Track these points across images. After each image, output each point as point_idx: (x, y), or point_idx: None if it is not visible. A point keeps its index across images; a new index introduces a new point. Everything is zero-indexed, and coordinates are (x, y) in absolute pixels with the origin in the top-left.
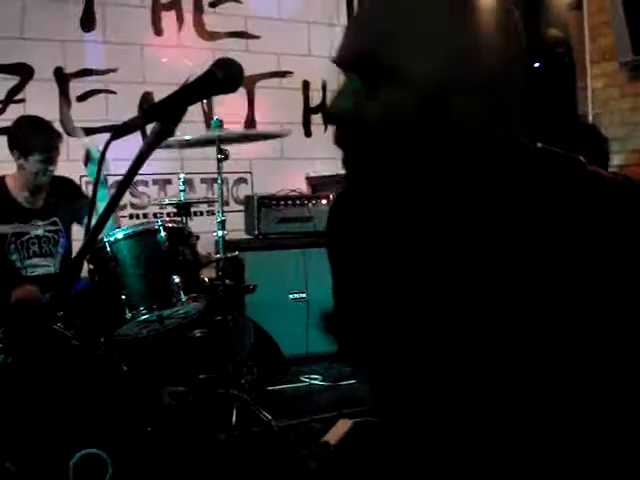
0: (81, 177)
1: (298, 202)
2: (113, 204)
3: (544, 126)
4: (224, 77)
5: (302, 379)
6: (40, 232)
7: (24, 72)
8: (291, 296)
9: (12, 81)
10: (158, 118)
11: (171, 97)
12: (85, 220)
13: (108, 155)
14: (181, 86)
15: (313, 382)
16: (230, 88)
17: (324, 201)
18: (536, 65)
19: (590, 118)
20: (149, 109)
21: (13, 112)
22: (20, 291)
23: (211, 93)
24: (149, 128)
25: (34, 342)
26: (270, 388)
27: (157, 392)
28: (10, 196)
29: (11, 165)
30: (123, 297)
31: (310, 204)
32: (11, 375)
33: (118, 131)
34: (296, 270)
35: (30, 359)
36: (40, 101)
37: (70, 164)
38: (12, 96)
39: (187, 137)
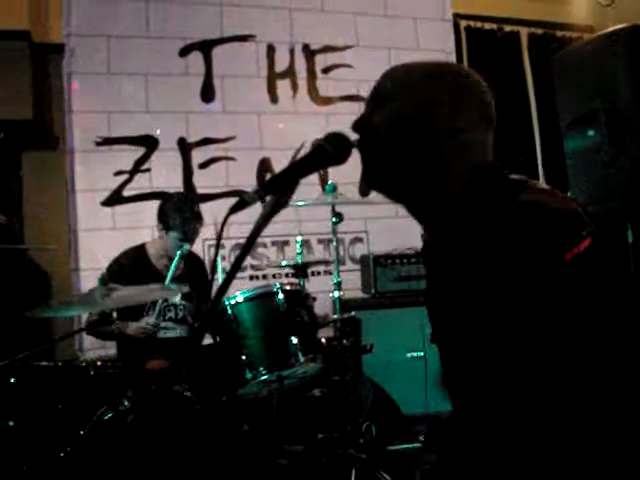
0: (204, 240)
1: (414, 260)
2: (234, 271)
3: None
4: (334, 151)
5: (421, 439)
6: (177, 300)
7: (149, 143)
8: (409, 355)
9: (138, 152)
10: (274, 191)
11: (285, 171)
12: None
13: (231, 219)
14: (294, 160)
15: None
16: (339, 160)
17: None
18: None
19: None
20: (266, 185)
21: (139, 181)
22: (152, 363)
23: (322, 166)
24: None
25: (159, 404)
26: (389, 448)
27: (275, 453)
28: (150, 263)
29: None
30: (244, 358)
31: None
32: (136, 434)
33: (236, 206)
34: (413, 328)
35: (154, 420)
36: (164, 170)
37: None
38: (139, 166)
39: (301, 203)
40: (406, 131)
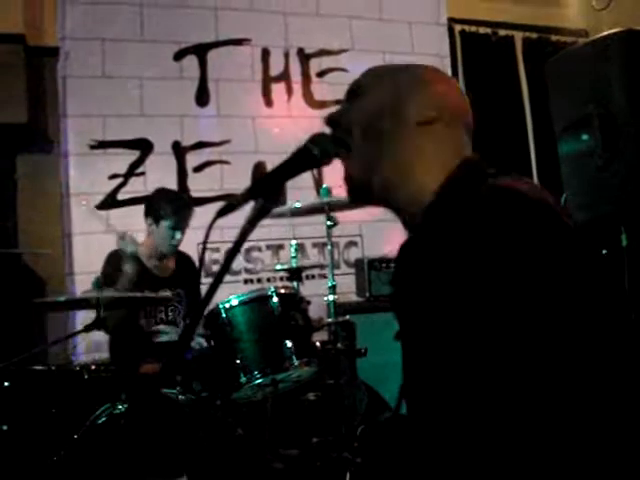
0: (199, 244)
1: None
2: (222, 273)
3: None
4: (319, 152)
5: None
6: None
7: (144, 147)
8: None
9: (133, 155)
10: (260, 195)
11: (270, 174)
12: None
13: (221, 223)
14: (279, 164)
15: None
16: (325, 161)
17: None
18: None
19: None
20: (251, 188)
21: (134, 185)
22: (146, 367)
23: (307, 167)
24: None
25: (151, 408)
26: None
27: (270, 457)
28: (142, 264)
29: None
30: (238, 361)
31: None
32: (130, 438)
33: (223, 210)
34: None
35: (148, 424)
36: (159, 173)
37: (189, 232)
38: (133, 170)
39: (297, 205)
40: (376, 122)
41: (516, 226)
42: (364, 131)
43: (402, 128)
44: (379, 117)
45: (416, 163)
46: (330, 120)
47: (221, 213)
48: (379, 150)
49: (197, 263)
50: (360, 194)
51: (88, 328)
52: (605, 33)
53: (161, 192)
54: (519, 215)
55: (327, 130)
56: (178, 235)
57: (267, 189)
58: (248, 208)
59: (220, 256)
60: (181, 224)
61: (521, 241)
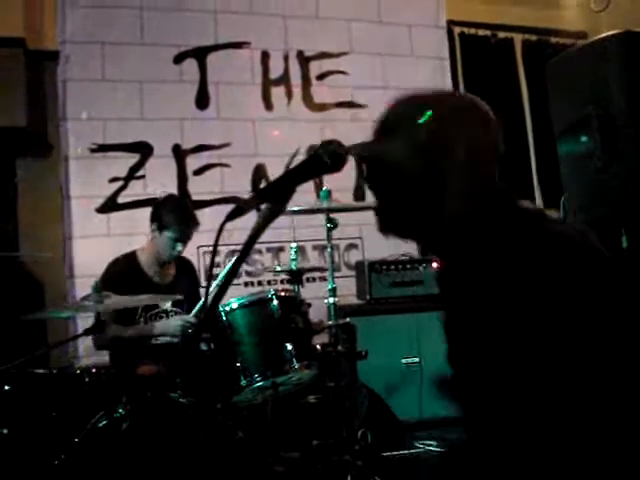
0: (199, 247)
1: (409, 266)
2: (230, 278)
3: None
4: (329, 159)
5: (417, 445)
6: (168, 307)
7: (144, 150)
8: (404, 361)
9: (133, 159)
10: (269, 199)
11: (280, 179)
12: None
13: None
14: (290, 168)
15: (428, 448)
16: (335, 168)
17: (435, 264)
18: None
19: None
20: (261, 192)
21: (134, 188)
22: (144, 369)
23: (317, 174)
24: None
25: (153, 410)
26: (384, 454)
27: (271, 460)
28: (142, 270)
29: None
30: (238, 364)
31: (421, 267)
32: (130, 441)
33: (232, 214)
34: (409, 334)
35: (149, 427)
36: (159, 177)
37: None
38: (133, 173)
39: (297, 208)
40: (417, 159)
41: (568, 265)
42: (405, 168)
43: (447, 165)
44: (420, 155)
45: (456, 194)
46: (362, 157)
47: (230, 217)
48: (420, 184)
49: (198, 267)
50: (395, 228)
51: (88, 332)
52: (604, 35)
53: (170, 200)
54: (571, 257)
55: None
56: (179, 247)
57: (276, 194)
58: (253, 213)
59: (220, 259)
60: (184, 237)
61: (570, 277)
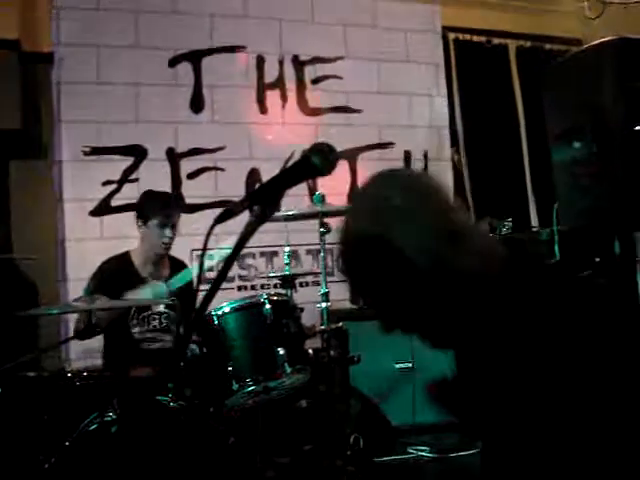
0: (192, 251)
1: None
2: (220, 280)
3: None
4: (320, 162)
5: (409, 450)
6: (161, 308)
7: (138, 153)
8: (397, 366)
9: (127, 162)
10: (259, 202)
11: (270, 182)
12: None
13: (217, 230)
14: (280, 171)
15: (420, 453)
16: (326, 172)
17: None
18: None
19: None
20: (251, 195)
21: (128, 191)
22: (136, 371)
23: (307, 177)
24: None
25: (144, 414)
26: (377, 459)
27: (262, 464)
28: (135, 270)
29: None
30: (230, 368)
31: None
32: (121, 445)
33: (222, 216)
34: (401, 339)
35: (140, 431)
36: (153, 180)
37: (182, 238)
38: (127, 176)
39: (291, 212)
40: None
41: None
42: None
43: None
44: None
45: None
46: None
47: (220, 219)
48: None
49: (194, 270)
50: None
51: (79, 335)
52: (598, 41)
53: (147, 193)
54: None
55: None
56: (168, 232)
57: (266, 196)
58: (245, 216)
59: (213, 263)
60: (169, 220)
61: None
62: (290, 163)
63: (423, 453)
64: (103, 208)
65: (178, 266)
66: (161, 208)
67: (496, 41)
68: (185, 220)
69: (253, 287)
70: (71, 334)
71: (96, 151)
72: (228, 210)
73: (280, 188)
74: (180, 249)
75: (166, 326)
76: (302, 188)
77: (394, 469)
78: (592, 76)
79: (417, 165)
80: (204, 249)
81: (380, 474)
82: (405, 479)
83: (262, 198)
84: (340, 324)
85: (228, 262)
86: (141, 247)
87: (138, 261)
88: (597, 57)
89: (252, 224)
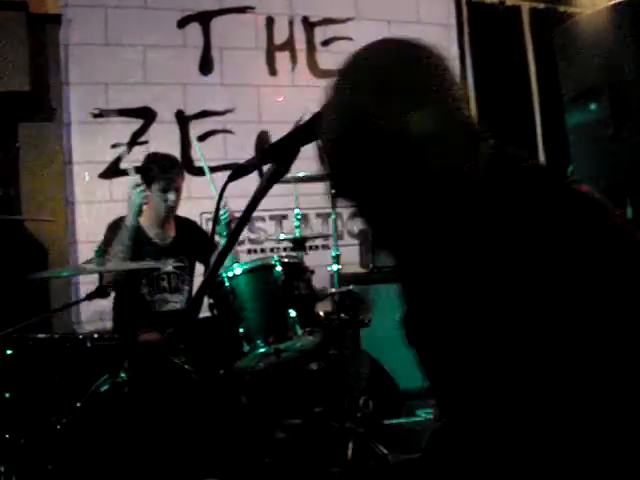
0: (202, 214)
1: None
2: (232, 241)
3: None
4: None
5: (418, 413)
6: (169, 269)
7: (147, 115)
8: None
9: (136, 124)
10: (273, 159)
11: (284, 139)
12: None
13: (226, 193)
14: (293, 129)
15: (429, 416)
16: None
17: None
18: None
19: None
20: (264, 152)
21: (137, 154)
22: (146, 335)
23: (320, 135)
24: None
25: (156, 375)
26: (386, 422)
27: (272, 426)
28: (142, 230)
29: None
30: (241, 330)
31: None
32: (132, 406)
33: (235, 173)
34: None
35: (151, 391)
36: (162, 142)
37: (192, 201)
38: (136, 138)
39: (301, 174)
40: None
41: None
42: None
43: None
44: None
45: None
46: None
47: (233, 177)
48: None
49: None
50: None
51: (90, 296)
52: (613, 2)
53: (150, 156)
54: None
55: None
56: (171, 196)
57: (279, 154)
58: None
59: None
60: (171, 185)
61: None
62: (304, 120)
63: (431, 416)
64: (112, 170)
65: (184, 226)
66: (163, 172)
67: (509, 2)
68: (195, 183)
69: (263, 250)
70: (81, 296)
71: (105, 113)
72: (241, 166)
73: (294, 145)
74: (189, 212)
75: (176, 285)
76: (312, 150)
77: (403, 431)
78: (608, 36)
79: None
80: (217, 208)
81: (389, 436)
82: (414, 441)
83: (275, 155)
84: (350, 287)
85: (241, 222)
86: (147, 209)
87: (145, 223)
88: (614, 17)
89: (265, 183)
